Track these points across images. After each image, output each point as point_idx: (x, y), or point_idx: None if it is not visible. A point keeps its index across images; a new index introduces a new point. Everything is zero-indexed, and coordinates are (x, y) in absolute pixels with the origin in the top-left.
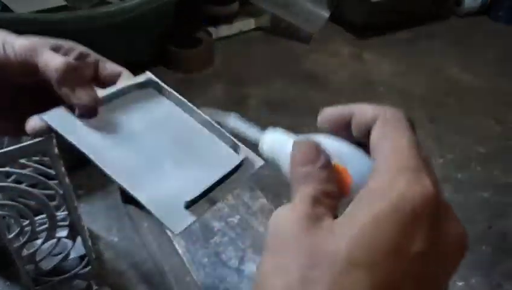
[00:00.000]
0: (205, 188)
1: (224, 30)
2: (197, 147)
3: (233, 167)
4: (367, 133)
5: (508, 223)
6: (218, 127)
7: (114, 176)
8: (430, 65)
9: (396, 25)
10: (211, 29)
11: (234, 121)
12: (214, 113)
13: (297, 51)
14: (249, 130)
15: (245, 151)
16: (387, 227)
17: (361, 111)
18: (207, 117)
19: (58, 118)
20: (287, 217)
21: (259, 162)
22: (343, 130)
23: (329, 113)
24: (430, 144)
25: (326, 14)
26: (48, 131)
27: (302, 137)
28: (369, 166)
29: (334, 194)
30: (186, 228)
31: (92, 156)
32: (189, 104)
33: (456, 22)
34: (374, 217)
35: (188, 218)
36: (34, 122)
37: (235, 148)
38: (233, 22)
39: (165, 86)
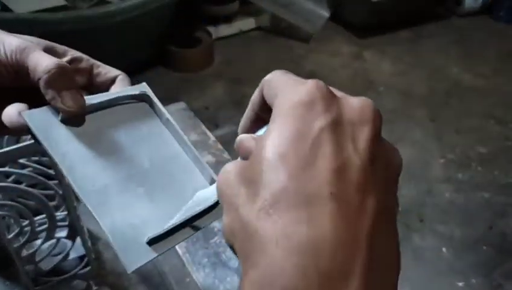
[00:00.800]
0: (170, 227)
1: (224, 30)
2: (175, 175)
3: (204, 207)
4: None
5: (508, 223)
6: (199, 157)
7: (81, 195)
8: (431, 65)
9: (397, 25)
10: (211, 29)
11: None
12: None
13: (297, 51)
14: None
15: None
16: (290, 121)
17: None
18: (191, 145)
19: (39, 119)
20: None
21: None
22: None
23: (242, 127)
24: (431, 144)
25: (326, 13)
26: (24, 129)
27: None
28: None
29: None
30: (141, 267)
31: (63, 168)
32: (176, 126)
33: (457, 22)
34: (279, 121)
35: (147, 255)
36: (11, 113)
37: (213, 183)
38: (233, 22)
39: (157, 103)
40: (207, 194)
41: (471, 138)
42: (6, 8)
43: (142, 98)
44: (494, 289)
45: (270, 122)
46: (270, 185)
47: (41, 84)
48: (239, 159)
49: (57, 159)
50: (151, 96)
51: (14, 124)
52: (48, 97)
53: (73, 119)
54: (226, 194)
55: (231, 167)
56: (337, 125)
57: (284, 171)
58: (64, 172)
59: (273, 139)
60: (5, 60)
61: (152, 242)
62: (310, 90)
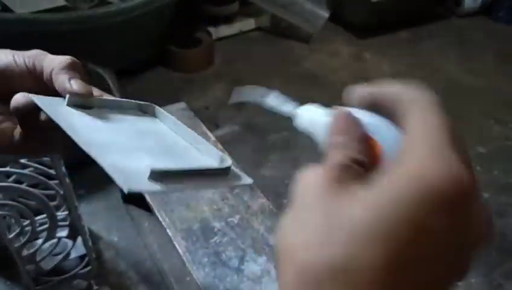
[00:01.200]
0: (177, 169)
1: (224, 30)
2: (180, 153)
3: (214, 167)
4: (394, 112)
5: (508, 223)
6: (212, 147)
7: (81, 143)
8: (430, 65)
9: (396, 25)
10: (211, 29)
11: (273, 98)
12: (254, 90)
13: (297, 51)
14: (286, 105)
15: (231, 164)
16: (411, 207)
17: (391, 91)
18: (202, 139)
19: (46, 100)
20: (314, 178)
21: (247, 180)
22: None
23: (359, 92)
24: None
25: (326, 14)
26: (31, 108)
27: (340, 109)
28: (399, 139)
29: (364, 163)
30: (140, 191)
31: (65, 127)
32: (186, 127)
33: (456, 22)
34: (401, 194)
35: (148, 185)
36: (18, 96)
37: (222, 159)
38: (233, 22)
39: (165, 112)
40: (214, 161)
41: (470, 137)
42: (6, 8)
43: (150, 110)
44: (494, 288)
45: (401, 153)
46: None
47: (55, 71)
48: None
49: (62, 124)
50: (157, 108)
51: (21, 104)
52: (57, 83)
53: (79, 107)
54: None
55: (313, 184)
56: (448, 241)
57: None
58: (66, 129)
59: (384, 211)
60: (25, 66)
61: (154, 177)
62: (451, 189)
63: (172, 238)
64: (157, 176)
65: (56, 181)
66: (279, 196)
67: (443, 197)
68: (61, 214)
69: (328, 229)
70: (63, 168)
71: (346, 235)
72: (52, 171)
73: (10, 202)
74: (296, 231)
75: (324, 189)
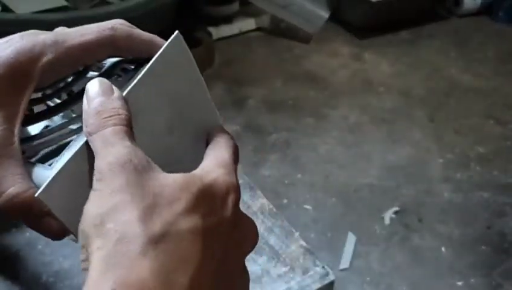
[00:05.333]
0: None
1: (224, 30)
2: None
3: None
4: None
5: (507, 223)
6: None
7: None
8: (430, 65)
9: (396, 25)
10: (211, 29)
11: None
12: None
13: (297, 51)
14: None
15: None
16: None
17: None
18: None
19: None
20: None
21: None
22: None
23: None
24: (430, 144)
25: (326, 14)
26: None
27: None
28: None
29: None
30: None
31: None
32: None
33: (456, 22)
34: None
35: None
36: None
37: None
38: (233, 22)
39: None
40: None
41: (470, 138)
42: (6, 8)
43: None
44: (494, 288)
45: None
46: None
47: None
48: None
49: None
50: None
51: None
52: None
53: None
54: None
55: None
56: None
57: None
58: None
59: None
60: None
61: None
62: (228, 188)
63: None
64: None
65: None
66: (279, 196)
67: (217, 197)
68: None
69: (147, 208)
70: None
71: (167, 211)
72: None
73: None
74: (115, 214)
75: (132, 173)
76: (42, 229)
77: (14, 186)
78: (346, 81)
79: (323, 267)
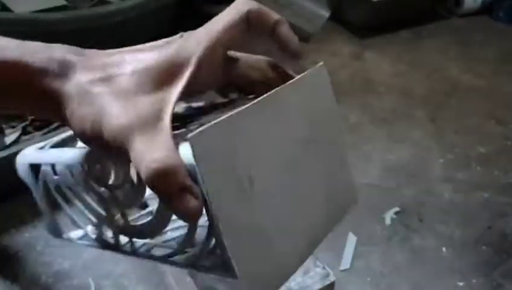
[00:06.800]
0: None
1: None
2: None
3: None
4: None
5: (508, 223)
6: None
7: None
8: (430, 65)
9: (397, 25)
10: None
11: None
12: None
13: None
14: None
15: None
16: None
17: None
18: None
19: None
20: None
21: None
22: None
23: None
24: (430, 144)
25: (326, 13)
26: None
27: None
28: None
29: None
30: None
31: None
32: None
33: (456, 22)
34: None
35: None
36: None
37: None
38: None
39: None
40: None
41: (470, 138)
42: (6, 8)
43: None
44: (494, 288)
45: None
46: None
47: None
48: None
49: None
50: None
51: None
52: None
53: None
54: None
55: None
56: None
57: None
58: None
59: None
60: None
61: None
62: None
63: None
64: None
65: None
66: None
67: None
68: None
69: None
70: None
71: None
72: None
73: None
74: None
75: None
76: (179, 205)
77: (162, 154)
78: (347, 80)
79: (323, 267)
